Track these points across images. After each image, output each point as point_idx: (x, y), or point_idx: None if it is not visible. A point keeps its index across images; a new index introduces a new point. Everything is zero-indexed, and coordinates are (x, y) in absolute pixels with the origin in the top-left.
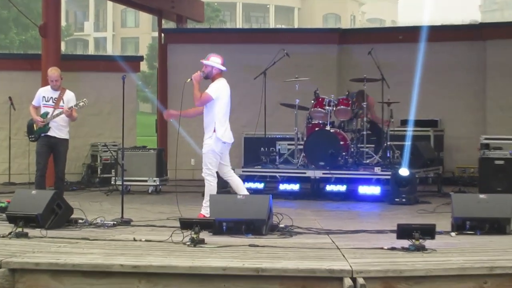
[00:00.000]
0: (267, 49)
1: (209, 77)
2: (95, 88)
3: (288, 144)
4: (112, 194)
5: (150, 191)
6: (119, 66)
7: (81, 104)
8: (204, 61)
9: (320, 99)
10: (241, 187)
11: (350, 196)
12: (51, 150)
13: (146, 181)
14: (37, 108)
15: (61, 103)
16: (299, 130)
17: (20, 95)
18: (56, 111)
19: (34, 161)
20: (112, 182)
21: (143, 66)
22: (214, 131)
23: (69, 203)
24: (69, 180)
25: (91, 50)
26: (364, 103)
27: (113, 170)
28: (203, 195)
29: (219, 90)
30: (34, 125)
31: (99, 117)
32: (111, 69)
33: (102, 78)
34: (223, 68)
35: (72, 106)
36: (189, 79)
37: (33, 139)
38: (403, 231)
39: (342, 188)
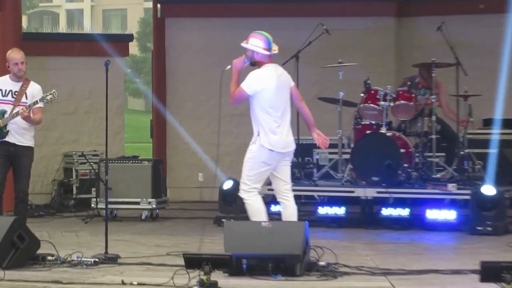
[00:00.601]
0: (300, 24)
1: (254, 64)
2: (69, 78)
3: (330, 153)
4: (93, 222)
5: (143, 217)
6: (101, 49)
7: (48, 97)
8: (243, 44)
9: (373, 92)
10: (292, 218)
11: (415, 223)
12: (10, 162)
13: (138, 203)
14: None
15: (23, 99)
16: (344, 133)
17: None
18: (17, 109)
19: None
20: (93, 205)
21: (133, 48)
22: (258, 135)
23: (34, 233)
24: (35, 202)
25: (62, 27)
26: (433, 97)
27: (93, 189)
28: (215, 221)
29: (258, 81)
30: None
31: (74, 117)
32: (90, 53)
33: (77, 65)
34: (265, 53)
35: (30, 105)
36: (228, 66)
37: None
38: (489, 272)
39: (403, 212)
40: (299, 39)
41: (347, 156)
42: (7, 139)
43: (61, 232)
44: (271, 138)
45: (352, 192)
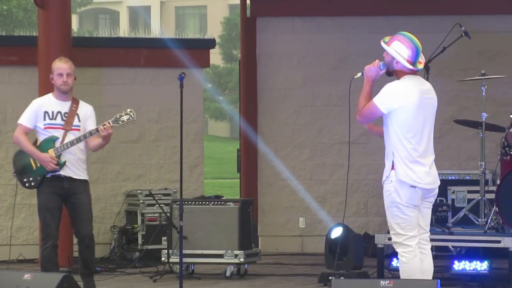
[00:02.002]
0: (431, 25)
1: (391, 73)
2: (131, 96)
3: (469, 192)
4: (163, 279)
5: (228, 273)
6: (174, 58)
7: (124, 117)
8: (383, 45)
9: None
10: (427, 275)
11: None
12: (63, 201)
13: (221, 256)
14: (26, 134)
15: (75, 121)
16: (488, 166)
17: (3, 108)
18: (70, 135)
19: (30, 222)
20: (163, 259)
21: (215, 57)
22: (393, 167)
23: None
24: None
25: (123, 30)
26: None
27: (164, 238)
28: (320, 280)
29: (396, 96)
30: (32, 160)
31: (139, 146)
32: (159, 63)
33: (143, 79)
34: (408, 66)
35: (109, 122)
36: (359, 74)
37: (32, 183)
38: None
39: None
40: (429, 44)
41: (491, 196)
42: (61, 172)
43: None
44: (411, 170)
45: (498, 242)
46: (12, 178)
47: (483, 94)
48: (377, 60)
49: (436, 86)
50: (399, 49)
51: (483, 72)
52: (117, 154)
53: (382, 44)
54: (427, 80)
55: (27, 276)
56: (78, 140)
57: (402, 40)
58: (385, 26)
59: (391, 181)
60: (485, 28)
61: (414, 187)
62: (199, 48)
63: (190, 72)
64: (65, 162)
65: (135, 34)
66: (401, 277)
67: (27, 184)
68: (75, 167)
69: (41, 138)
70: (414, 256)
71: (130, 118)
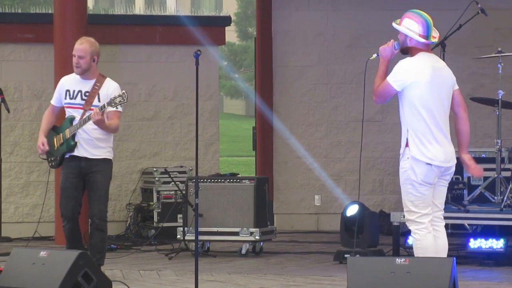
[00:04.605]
0: (447, 3)
1: (406, 51)
2: (147, 73)
3: (485, 170)
4: (179, 257)
5: (244, 251)
6: (189, 36)
7: (117, 100)
8: (395, 25)
9: None
10: (442, 253)
11: None
12: (83, 181)
13: (237, 234)
14: (54, 112)
15: (95, 101)
16: (504, 144)
17: (19, 85)
18: (88, 115)
19: (46, 200)
20: (179, 236)
21: (231, 34)
22: (407, 145)
23: (104, 272)
24: None
25: (139, 7)
26: None
27: (179, 216)
28: (336, 257)
29: (408, 73)
30: (55, 139)
31: (155, 124)
32: (175, 41)
33: (159, 57)
34: (421, 40)
35: (102, 107)
36: (374, 55)
37: (53, 163)
38: None
39: None
40: (446, 21)
41: (507, 174)
42: (76, 153)
43: (139, 270)
44: (426, 148)
45: None
46: (27, 156)
47: (500, 71)
48: (391, 40)
49: (452, 63)
50: (410, 25)
51: (499, 49)
52: (133, 131)
53: (394, 25)
54: (443, 57)
55: (43, 253)
56: (84, 122)
57: (412, 16)
58: (401, 4)
59: (407, 158)
60: (502, 5)
61: (430, 164)
62: (214, 26)
63: (205, 49)
64: (76, 143)
65: (151, 11)
66: (415, 254)
67: (49, 164)
68: (90, 147)
69: (66, 115)
70: (428, 233)
71: (122, 100)
